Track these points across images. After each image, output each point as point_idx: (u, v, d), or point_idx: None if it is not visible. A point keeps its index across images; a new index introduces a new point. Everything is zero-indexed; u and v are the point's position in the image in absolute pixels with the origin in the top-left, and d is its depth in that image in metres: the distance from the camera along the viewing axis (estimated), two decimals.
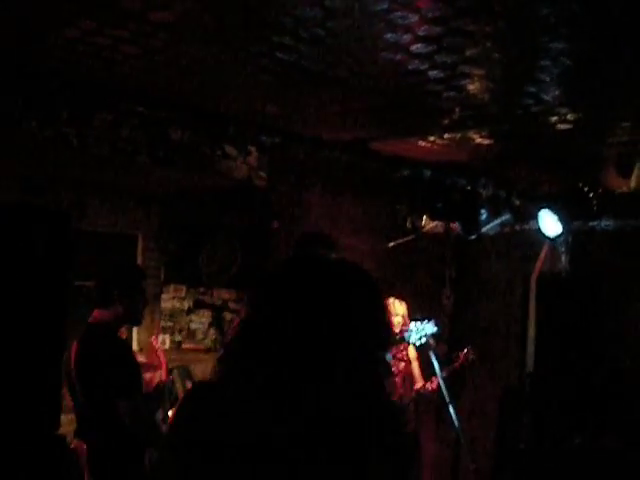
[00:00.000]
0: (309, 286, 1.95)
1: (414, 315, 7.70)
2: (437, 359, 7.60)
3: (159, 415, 6.29)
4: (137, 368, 5.54)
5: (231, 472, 1.86)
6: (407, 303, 7.80)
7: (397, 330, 7.64)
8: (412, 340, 7.53)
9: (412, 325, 7.55)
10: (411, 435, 7.83)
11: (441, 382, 7.51)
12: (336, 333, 1.90)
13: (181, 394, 7.52)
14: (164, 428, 6.01)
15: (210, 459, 1.88)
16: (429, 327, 7.47)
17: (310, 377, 1.88)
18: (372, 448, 1.93)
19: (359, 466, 1.92)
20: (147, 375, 6.64)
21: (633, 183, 7.13)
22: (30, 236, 5.26)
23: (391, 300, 7.78)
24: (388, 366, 2.04)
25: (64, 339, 5.60)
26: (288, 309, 1.93)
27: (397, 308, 7.73)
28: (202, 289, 9.44)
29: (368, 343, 1.95)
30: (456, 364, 8.07)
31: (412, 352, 7.94)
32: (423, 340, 7.46)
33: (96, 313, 5.55)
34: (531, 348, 8.63)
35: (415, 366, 7.97)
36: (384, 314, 2.05)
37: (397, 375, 7.90)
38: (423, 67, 4.99)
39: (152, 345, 7.42)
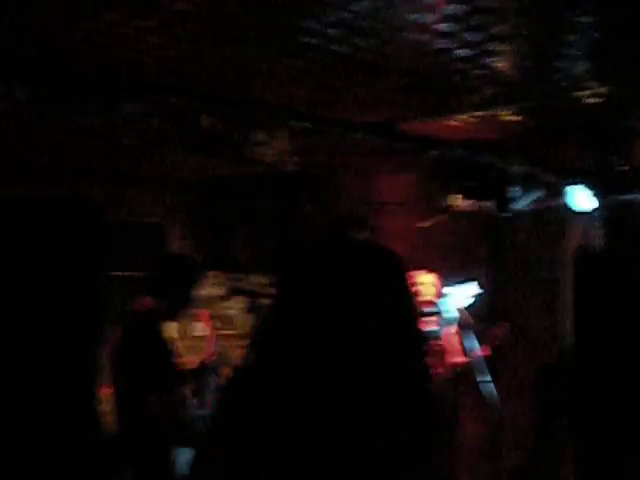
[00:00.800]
0: (336, 269, 1.94)
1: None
2: (472, 338, 7.59)
3: (193, 401, 6.28)
4: (174, 361, 5.58)
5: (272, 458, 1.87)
6: (437, 275, 7.75)
7: (429, 298, 7.58)
8: (455, 305, 7.46)
9: (449, 290, 7.48)
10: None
11: (475, 362, 7.50)
12: (365, 316, 1.89)
13: (219, 381, 7.54)
14: (200, 412, 6.03)
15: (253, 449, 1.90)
16: (471, 288, 7.40)
17: (340, 362, 1.86)
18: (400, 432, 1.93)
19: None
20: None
21: None
22: (64, 229, 5.30)
23: (420, 275, 7.73)
24: (422, 345, 2.02)
25: (100, 329, 5.66)
26: (316, 293, 1.92)
27: (423, 278, 7.67)
28: (238, 275, 9.47)
29: (398, 325, 1.93)
30: (492, 341, 8.06)
31: (451, 328, 7.90)
32: (468, 302, 7.40)
33: (145, 301, 5.59)
34: (569, 325, 8.57)
35: (453, 341, 7.93)
36: (411, 295, 2.04)
37: (435, 353, 7.88)
38: (449, 46, 4.97)
39: (204, 316, 7.31)
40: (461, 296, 7.44)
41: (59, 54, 5.42)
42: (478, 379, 7.55)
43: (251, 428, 1.91)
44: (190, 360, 6.74)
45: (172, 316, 5.91)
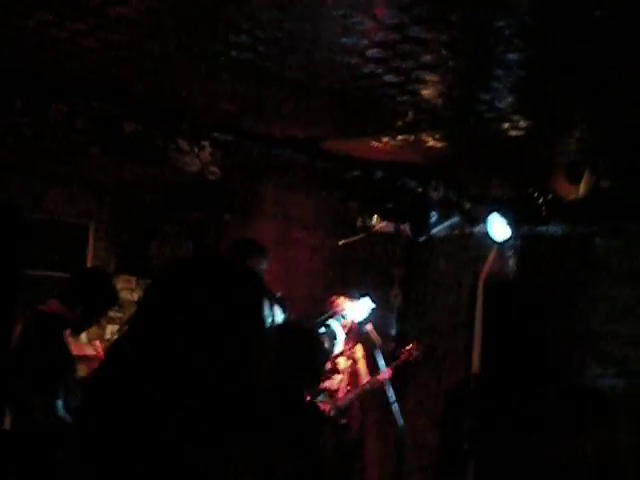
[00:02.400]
0: (193, 283, 1.98)
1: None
2: (383, 357, 7.67)
3: None
4: (70, 366, 5.50)
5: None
6: (350, 299, 7.84)
7: (347, 326, 7.68)
8: (349, 318, 7.58)
9: (347, 304, 7.60)
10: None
11: (386, 380, 7.58)
12: (212, 331, 1.92)
13: None
14: None
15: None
16: (365, 303, 7.52)
17: (182, 373, 1.89)
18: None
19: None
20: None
21: (582, 190, 7.20)
22: None
23: (340, 300, 7.83)
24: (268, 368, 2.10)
25: (10, 326, 5.59)
26: (171, 306, 1.96)
27: (345, 305, 7.78)
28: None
29: (245, 343, 1.97)
30: (400, 359, 8.15)
31: (359, 350, 8.01)
32: (362, 316, 7.52)
33: (53, 304, 5.53)
34: (477, 349, 8.70)
35: (362, 364, 8.03)
36: (262, 313, 2.05)
37: (343, 373, 7.97)
38: (378, 71, 5.02)
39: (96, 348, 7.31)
40: (357, 311, 7.55)
41: None
42: (385, 398, 7.63)
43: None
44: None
45: (79, 326, 5.83)
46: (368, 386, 7.94)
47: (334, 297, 7.86)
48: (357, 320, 7.65)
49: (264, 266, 6.49)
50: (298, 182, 8.44)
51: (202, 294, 1.96)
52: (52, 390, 5.29)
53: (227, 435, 1.94)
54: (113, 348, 2.05)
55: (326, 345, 7.56)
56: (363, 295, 7.61)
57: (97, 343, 7.27)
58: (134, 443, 1.85)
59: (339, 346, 7.34)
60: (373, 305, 7.59)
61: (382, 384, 7.68)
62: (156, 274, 2.11)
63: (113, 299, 6.00)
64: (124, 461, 1.84)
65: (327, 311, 7.65)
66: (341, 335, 7.31)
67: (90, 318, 5.80)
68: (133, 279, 9.26)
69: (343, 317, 7.55)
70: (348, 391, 7.95)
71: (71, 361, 5.52)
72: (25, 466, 5.15)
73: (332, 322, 7.12)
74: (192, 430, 1.87)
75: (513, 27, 4.16)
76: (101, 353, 6.83)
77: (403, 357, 8.18)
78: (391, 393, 7.57)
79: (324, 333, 7.03)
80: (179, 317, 1.93)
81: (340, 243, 8.89)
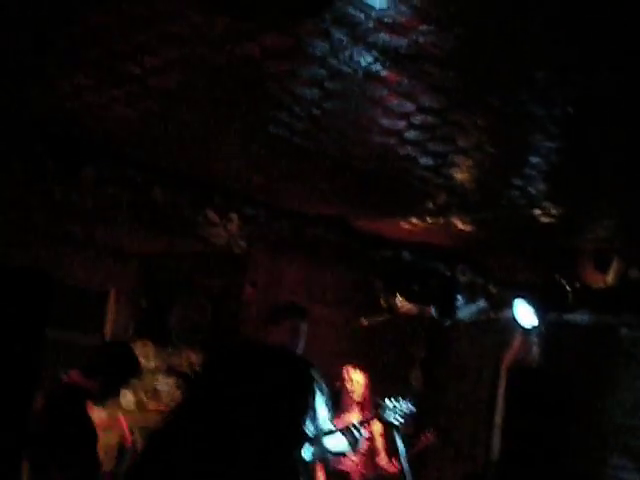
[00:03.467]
0: (237, 376, 2.06)
1: (379, 392, 7.64)
2: (402, 440, 7.52)
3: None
4: (92, 440, 5.47)
5: None
6: (367, 375, 7.77)
7: (360, 399, 7.60)
8: (387, 417, 7.42)
9: (387, 402, 7.47)
10: None
11: (404, 464, 7.43)
12: (253, 423, 2.00)
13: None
14: None
15: None
16: (405, 405, 7.38)
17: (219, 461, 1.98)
18: None
19: None
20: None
21: (610, 279, 7.16)
22: (11, 297, 5.26)
23: (349, 368, 7.77)
24: (298, 465, 2.18)
25: (32, 392, 5.58)
26: (216, 395, 2.04)
27: (353, 375, 7.71)
28: (170, 349, 9.38)
29: (284, 436, 2.05)
30: (418, 446, 8.04)
31: (377, 428, 7.86)
32: (399, 419, 7.34)
33: (76, 376, 5.51)
34: (497, 436, 8.59)
35: (380, 442, 7.89)
36: (306, 408, 2.14)
37: (358, 452, 7.80)
38: (414, 153, 5.03)
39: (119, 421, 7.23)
40: (394, 412, 7.34)
41: (25, 112, 5.38)
42: None
43: None
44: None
45: (101, 399, 5.81)
46: (384, 469, 7.82)
47: (347, 369, 7.78)
48: (392, 421, 7.42)
49: (305, 328, 6.43)
50: (323, 258, 8.44)
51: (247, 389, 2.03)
52: (75, 466, 5.25)
53: None
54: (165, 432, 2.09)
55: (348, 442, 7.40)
56: (403, 398, 7.38)
57: (120, 416, 7.21)
58: None
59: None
60: (413, 409, 7.33)
61: (400, 470, 7.53)
62: (210, 360, 2.15)
63: (134, 370, 5.98)
64: None
65: (340, 384, 7.60)
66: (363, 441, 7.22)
67: (111, 389, 5.77)
68: (152, 346, 9.24)
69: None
70: (362, 474, 7.79)
71: (94, 435, 5.48)
72: None
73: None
74: None
75: (552, 115, 4.18)
76: (124, 425, 6.78)
77: (421, 443, 8.09)
78: (409, 477, 7.42)
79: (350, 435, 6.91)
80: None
81: (364, 322, 8.84)
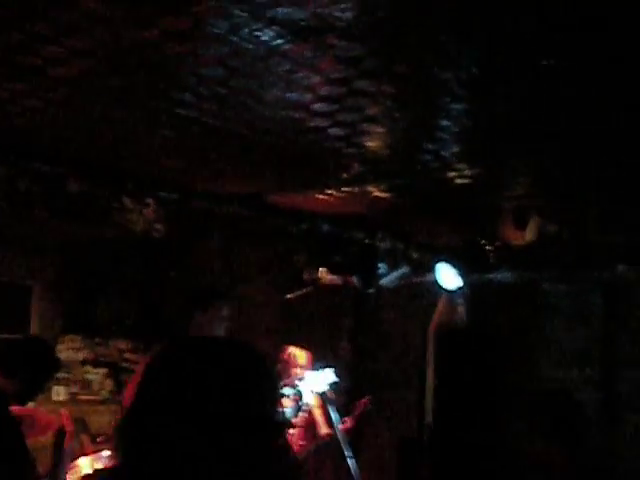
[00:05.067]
0: (194, 373, 1.98)
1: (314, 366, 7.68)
2: (335, 411, 7.57)
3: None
4: (17, 447, 5.35)
5: None
6: (308, 353, 7.81)
7: (294, 381, 7.64)
8: (311, 389, 7.50)
9: (308, 374, 7.53)
10: None
11: (337, 432, 7.47)
12: (224, 415, 1.93)
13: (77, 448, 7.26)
14: None
15: None
16: (328, 375, 7.44)
17: (202, 460, 1.90)
18: None
19: None
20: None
21: (529, 235, 7.22)
22: None
23: (291, 349, 7.79)
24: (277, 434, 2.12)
25: None
26: (176, 394, 1.96)
27: (298, 357, 7.74)
28: (98, 340, 9.31)
29: (258, 425, 1.98)
30: (355, 413, 8.08)
31: (314, 400, 7.87)
32: (323, 389, 7.42)
33: None
34: (429, 399, 8.66)
35: (318, 414, 7.91)
36: (273, 393, 2.10)
37: (297, 426, 7.84)
38: (323, 125, 4.99)
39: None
40: (318, 382, 7.46)
41: None
42: (340, 453, 7.53)
43: None
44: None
45: (23, 399, 5.67)
46: (323, 441, 7.84)
47: (287, 349, 7.80)
48: (316, 391, 7.54)
49: (229, 310, 6.40)
50: (244, 236, 8.40)
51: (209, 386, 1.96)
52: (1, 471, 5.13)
53: None
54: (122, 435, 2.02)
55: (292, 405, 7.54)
56: (327, 367, 7.52)
57: (63, 411, 7.03)
58: None
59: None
60: (336, 379, 7.49)
61: (337, 438, 7.57)
62: (159, 356, 2.07)
63: (54, 367, 5.86)
64: None
65: (282, 365, 7.61)
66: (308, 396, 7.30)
67: (32, 387, 5.63)
68: (79, 338, 9.16)
69: (297, 390, 7.52)
70: (301, 445, 7.82)
71: (19, 436, 5.34)
72: None
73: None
74: None
75: (459, 78, 4.16)
76: (67, 422, 6.58)
77: (356, 411, 8.11)
78: (346, 447, 7.46)
79: (291, 394, 6.98)
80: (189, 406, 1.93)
81: (288, 297, 8.83)
